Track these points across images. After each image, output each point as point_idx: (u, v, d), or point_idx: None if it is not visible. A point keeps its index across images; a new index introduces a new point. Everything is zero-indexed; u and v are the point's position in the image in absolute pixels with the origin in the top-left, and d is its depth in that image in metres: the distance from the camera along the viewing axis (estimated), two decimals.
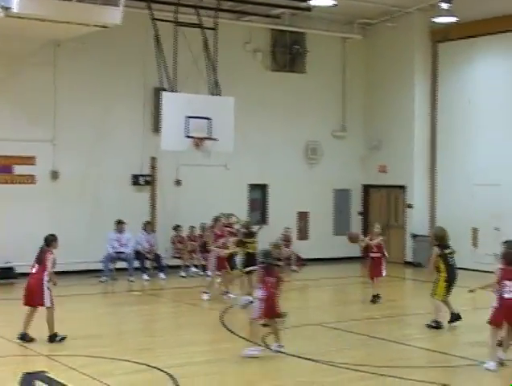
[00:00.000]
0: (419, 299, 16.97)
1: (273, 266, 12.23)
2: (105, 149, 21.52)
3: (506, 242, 12.89)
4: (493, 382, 10.79)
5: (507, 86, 22.69)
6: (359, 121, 25.98)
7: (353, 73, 25.77)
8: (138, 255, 20.94)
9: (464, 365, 11.75)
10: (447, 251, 14.47)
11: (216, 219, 17.94)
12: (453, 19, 22.10)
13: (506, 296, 11.19)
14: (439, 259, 14.40)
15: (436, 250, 14.47)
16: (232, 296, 16.86)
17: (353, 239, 18.23)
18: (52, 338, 12.53)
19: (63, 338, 12.61)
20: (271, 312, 12.01)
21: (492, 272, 11.75)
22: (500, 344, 11.47)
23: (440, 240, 14.57)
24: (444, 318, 14.37)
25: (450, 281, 14.42)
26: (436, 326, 14.19)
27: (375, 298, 16.85)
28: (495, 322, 11.27)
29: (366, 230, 26.06)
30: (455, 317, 14.52)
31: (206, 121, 19.19)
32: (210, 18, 20.37)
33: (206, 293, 17.19)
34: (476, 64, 23.51)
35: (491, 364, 11.11)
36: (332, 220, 25.63)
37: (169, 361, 11.60)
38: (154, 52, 19.35)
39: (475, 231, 23.18)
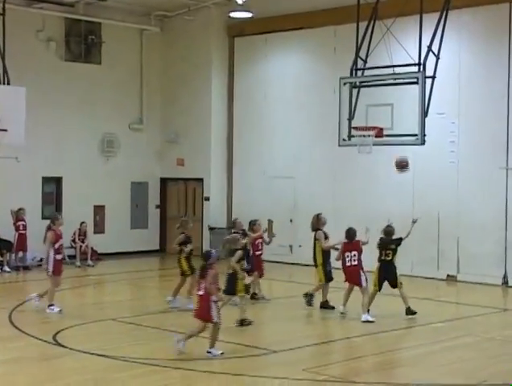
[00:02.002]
0: None
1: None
2: None
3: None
4: (283, 369, 10.96)
5: (299, 82, 23.33)
6: (156, 113, 25.80)
7: (151, 65, 25.56)
8: None
9: (259, 355, 11.91)
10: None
11: (56, 218, 15.51)
12: (248, 15, 22.43)
13: (347, 264, 14.49)
14: None
15: None
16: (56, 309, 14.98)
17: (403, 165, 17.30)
18: None
19: None
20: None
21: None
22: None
23: None
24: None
25: None
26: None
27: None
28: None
29: (164, 223, 26.04)
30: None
31: None
32: None
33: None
34: (270, 59, 24.00)
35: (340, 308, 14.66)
36: (129, 214, 25.29)
37: None
38: None
39: (270, 223, 23.63)
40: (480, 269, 19.58)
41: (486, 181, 19.73)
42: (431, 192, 20.46)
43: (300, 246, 22.73)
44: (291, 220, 23.02)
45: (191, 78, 25.10)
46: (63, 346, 12.08)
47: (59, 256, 15.13)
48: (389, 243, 14.63)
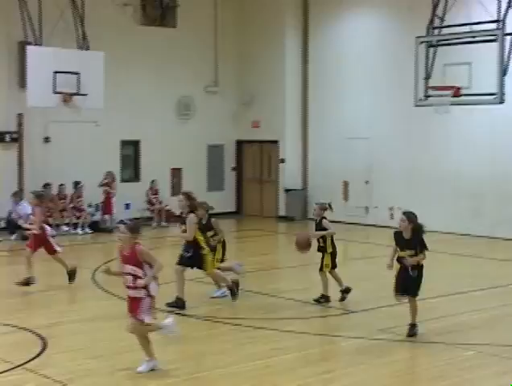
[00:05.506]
0: (291, 253, 17.15)
1: None
2: None
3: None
4: (360, 329, 11.04)
5: (374, 41, 23.07)
6: (231, 76, 25.89)
7: (225, 28, 25.59)
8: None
9: (338, 315, 12.02)
10: None
11: None
12: None
13: None
14: None
15: None
16: None
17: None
18: None
19: None
20: None
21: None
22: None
23: None
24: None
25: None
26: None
27: None
28: None
29: (240, 185, 26.26)
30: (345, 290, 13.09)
31: (75, 76, 18.71)
32: None
33: None
34: (346, 19, 23.76)
35: None
36: (205, 176, 25.57)
37: (39, 321, 11.36)
38: (17, 4, 18.60)
39: (346, 184, 23.65)
40: None
41: None
42: (510, 152, 20.10)
43: (376, 207, 22.71)
44: (366, 182, 22.96)
45: (265, 40, 25.08)
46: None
47: None
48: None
